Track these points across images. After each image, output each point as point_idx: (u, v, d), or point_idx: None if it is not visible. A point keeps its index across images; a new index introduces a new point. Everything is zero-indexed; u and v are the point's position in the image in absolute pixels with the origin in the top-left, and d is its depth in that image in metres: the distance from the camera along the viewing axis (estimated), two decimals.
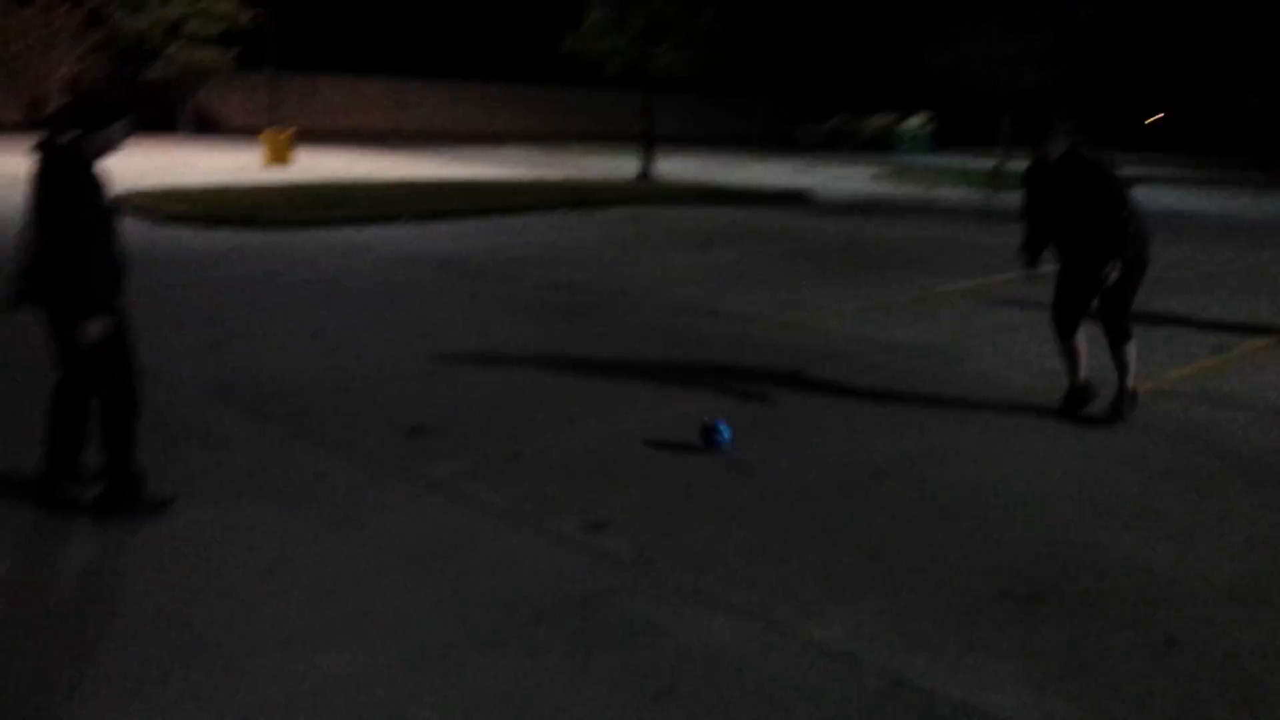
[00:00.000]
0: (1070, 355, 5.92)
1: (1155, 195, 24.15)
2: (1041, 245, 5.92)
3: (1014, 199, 18.12)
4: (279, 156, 23.52)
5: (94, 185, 3.98)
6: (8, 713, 2.87)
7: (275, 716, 2.90)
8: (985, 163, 30.70)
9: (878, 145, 46.49)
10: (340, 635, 3.35)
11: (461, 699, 3.01)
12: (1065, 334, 5.90)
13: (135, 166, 20.70)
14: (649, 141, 24.27)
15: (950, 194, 23.39)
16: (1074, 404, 5.92)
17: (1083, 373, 5.93)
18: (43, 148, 3.99)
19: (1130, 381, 5.85)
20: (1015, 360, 7.10)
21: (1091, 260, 5.58)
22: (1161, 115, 54.01)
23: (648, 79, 24.02)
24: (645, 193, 19.47)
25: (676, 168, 27.47)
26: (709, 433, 5.19)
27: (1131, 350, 5.81)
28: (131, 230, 11.75)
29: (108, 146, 4.06)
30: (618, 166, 27.44)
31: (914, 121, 47.95)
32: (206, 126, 37.39)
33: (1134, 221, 5.55)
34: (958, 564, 3.97)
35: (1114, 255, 5.49)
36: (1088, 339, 5.91)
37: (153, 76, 33.92)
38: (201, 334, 7.16)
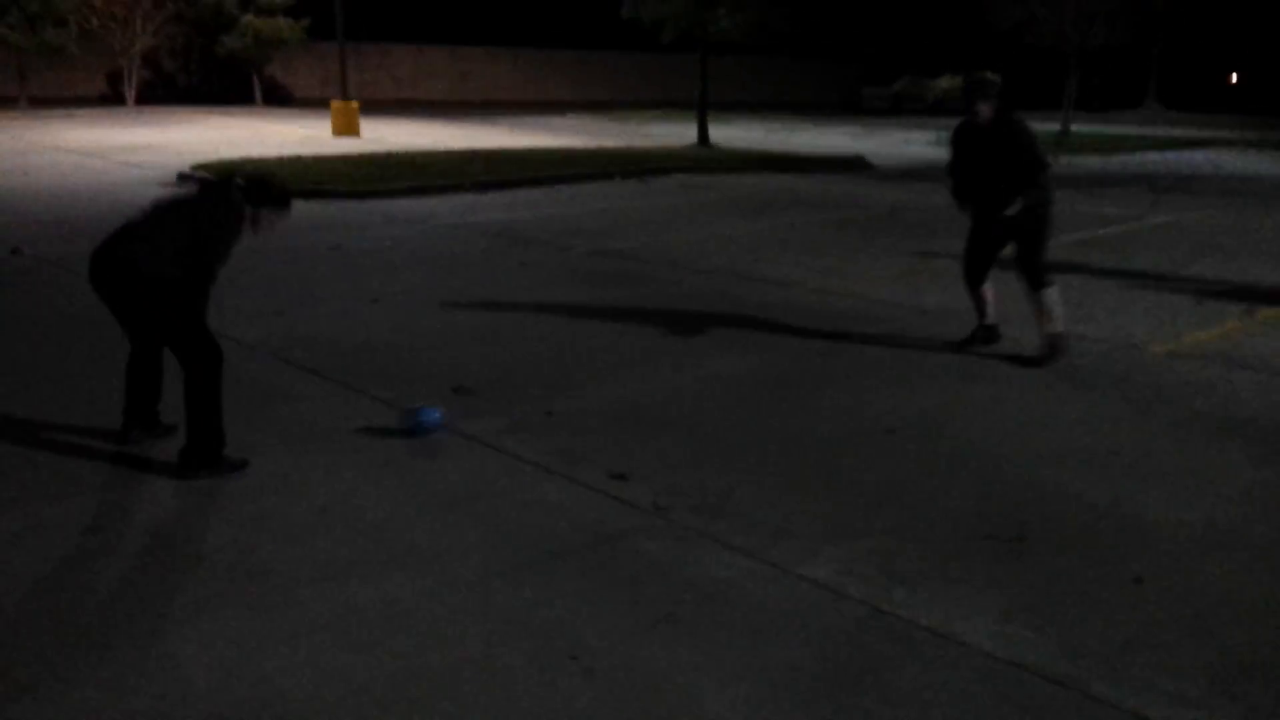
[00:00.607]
0: (978, 300, 6.63)
1: (1215, 158, 23.73)
2: (968, 194, 6.49)
3: (1078, 163, 17.95)
4: (347, 127, 24.10)
5: (235, 237, 4.54)
6: (90, 629, 3.32)
7: (324, 633, 3.31)
8: (1050, 126, 30.28)
9: (944, 108, 45.88)
10: (382, 566, 3.76)
11: (487, 621, 3.40)
12: (974, 282, 6.60)
13: (210, 139, 21.43)
14: (705, 108, 24.42)
15: None
16: (976, 340, 6.68)
17: (990, 318, 6.65)
18: (219, 188, 4.65)
19: (1058, 326, 6.29)
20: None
21: (1000, 210, 6.19)
22: (1234, 76, 52.53)
23: (705, 44, 24.10)
24: (701, 160, 19.68)
25: (736, 134, 27.55)
26: (413, 427, 5.06)
27: (1052, 295, 6.28)
28: None
29: (258, 222, 4.63)
30: (678, 133, 27.60)
31: None
32: (277, 97, 38.23)
33: (1044, 176, 6.17)
34: (951, 510, 4.27)
35: (1018, 196, 6.10)
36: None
37: (227, 47, 34.79)
38: (267, 300, 7.65)
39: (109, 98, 34.50)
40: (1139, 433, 5.23)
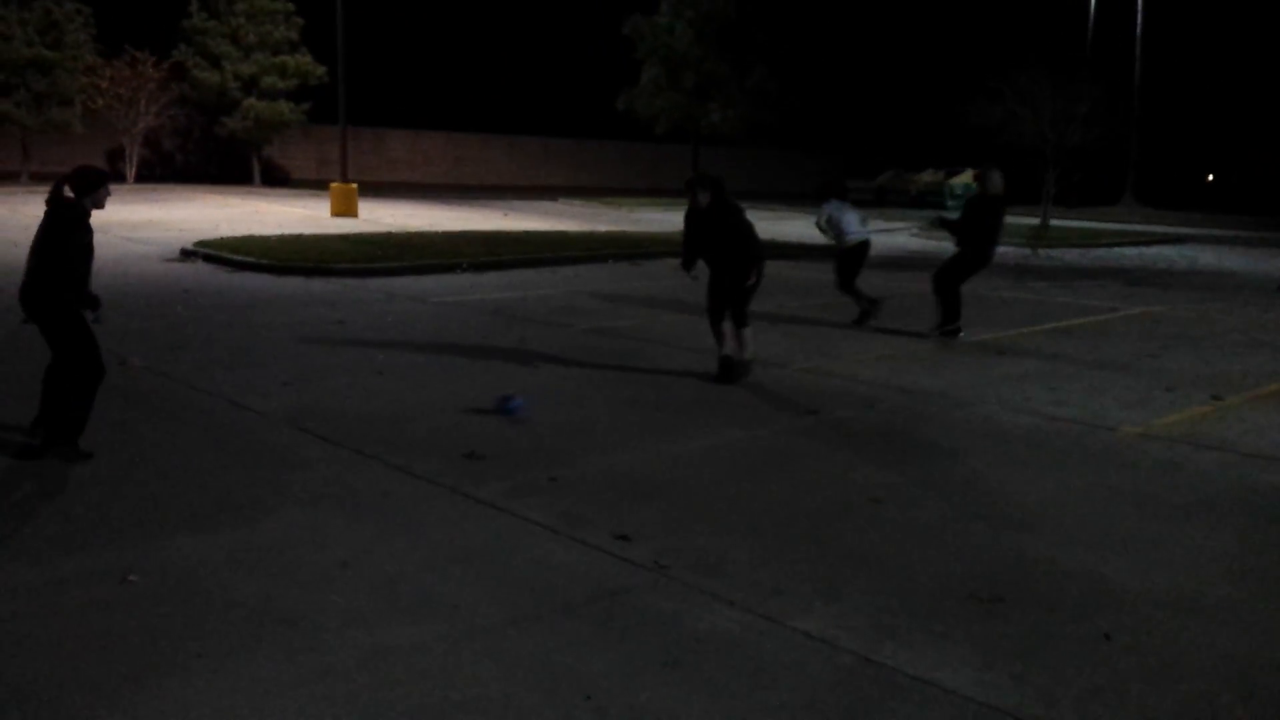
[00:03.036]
0: (719, 336, 8.37)
1: (1189, 254, 24.42)
2: (694, 261, 8.39)
3: (1056, 256, 18.57)
4: (346, 208, 24.62)
5: (87, 230, 5.69)
6: (139, 666, 3.56)
7: (349, 674, 3.56)
8: (1029, 219, 31.14)
9: (927, 201, 46.99)
10: (402, 615, 4.01)
11: (504, 664, 3.65)
12: (716, 321, 8.38)
13: (210, 216, 21.90)
14: None
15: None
16: (723, 371, 8.25)
17: (726, 349, 8.30)
18: (54, 203, 5.67)
19: (748, 354, 8.32)
20: (1018, 405, 7.65)
21: (733, 273, 8.13)
22: (1210, 177, 54.34)
23: (696, 136, 24.89)
24: None
25: None
26: (504, 402, 6.98)
27: (748, 334, 8.30)
28: (207, 277, 12.59)
29: (97, 204, 5.81)
30: (669, 220, 28.23)
31: (962, 177, 48.43)
32: (274, 177, 38.89)
33: (757, 248, 8.17)
34: (935, 572, 4.56)
35: (752, 267, 8.10)
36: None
37: (228, 128, 35.54)
38: (276, 372, 7.94)
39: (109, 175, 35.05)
40: (1110, 506, 5.55)
